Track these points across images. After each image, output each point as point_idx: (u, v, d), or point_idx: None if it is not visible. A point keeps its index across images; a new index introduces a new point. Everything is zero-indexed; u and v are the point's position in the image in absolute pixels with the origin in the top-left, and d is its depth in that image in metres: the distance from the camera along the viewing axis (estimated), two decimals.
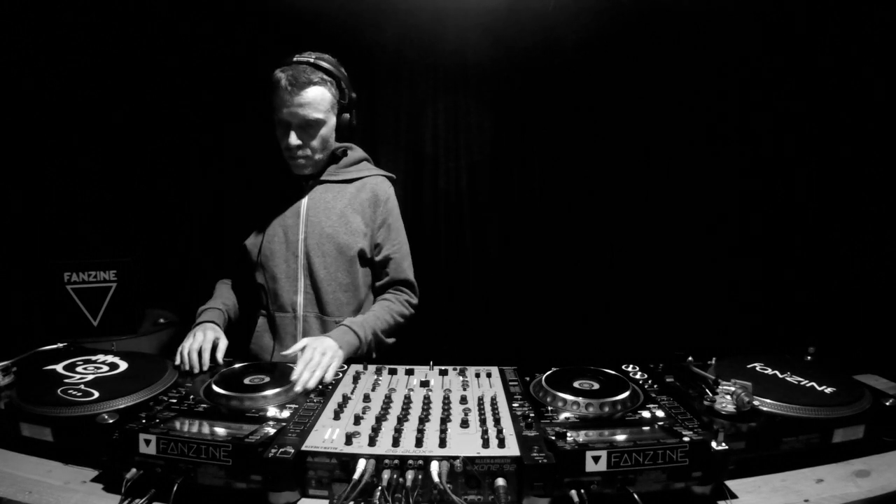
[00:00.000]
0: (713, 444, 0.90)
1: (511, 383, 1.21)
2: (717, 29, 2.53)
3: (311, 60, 1.49)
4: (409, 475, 0.86)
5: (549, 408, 1.07)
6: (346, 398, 1.11)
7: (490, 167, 2.78)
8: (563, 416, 1.04)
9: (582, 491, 0.86)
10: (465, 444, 0.92)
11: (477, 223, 2.81)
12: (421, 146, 2.75)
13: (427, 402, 1.09)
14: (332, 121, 1.55)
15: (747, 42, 2.54)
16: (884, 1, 2.29)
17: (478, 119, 2.75)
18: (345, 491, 0.83)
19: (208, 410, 1.05)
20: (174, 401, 1.09)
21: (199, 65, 2.61)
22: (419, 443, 0.92)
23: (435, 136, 2.75)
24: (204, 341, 1.36)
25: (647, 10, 2.53)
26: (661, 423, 1.00)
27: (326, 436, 0.95)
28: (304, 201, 1.60)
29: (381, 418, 1.00)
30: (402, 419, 1.00)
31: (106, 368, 1.26)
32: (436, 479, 0.84)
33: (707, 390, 1.13)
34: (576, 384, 1.15)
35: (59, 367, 1.25)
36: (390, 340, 1.60)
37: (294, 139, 1.50)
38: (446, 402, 1.09)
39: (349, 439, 0.92)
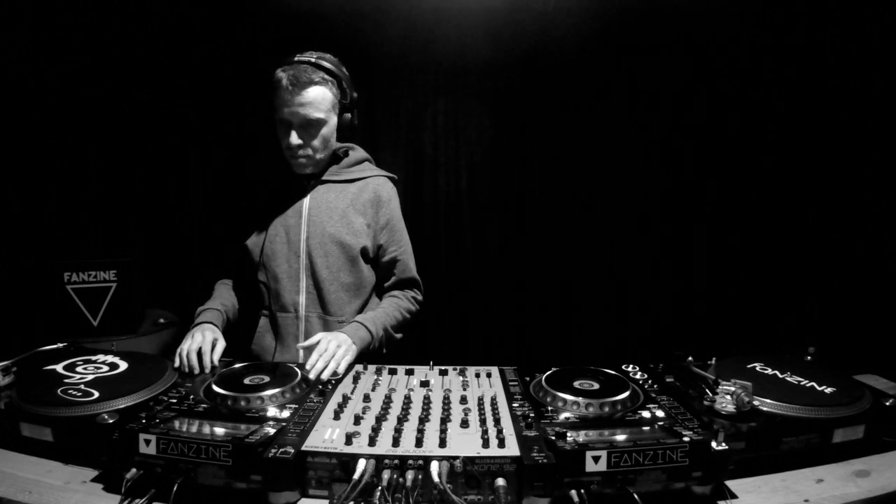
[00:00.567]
0: (713, 444, 0.90)
1: (511, 383, 1.21)
2: (717, 28, 2.53)
3: (313, 60, 1.49)
4: (409, 475, 0.86)
5: (549, 408, 1.07)
6: (346, 398, 1.11)
7: (490, 167, 2.78)
8: (563, 416, 1.04)
9: (582, 491, 0.86)
10: (465, 444, 0.92)
11: (477, 223, 2.81)
12: (421, 146, 2.75)
13: (427, 402, 1.09)
14: (334, 121, 1.55)
15: (747, 41, 2.54)
16: (884, 1, 2.29)
17: (478, 119, 2.75)
18: (345, 491, 0.83)
19: (208, 410, 1.05)
20: (174, 401, 1.09)
21: (199, 65, 2.61)
22: (419, 443, 0.92)
23: (435, 135, 2.75)
24: (203, 342, 1.36)
25: (646, 9, 2.53)
26: (661, 423, 1.00)
27: (326, 436, 0.95)
28: (306, 201, 1.60)
29: (381, 418, 1.00)
30: (402, 419, 1.00)
31: (106, 368, 1.26)
32: (436, 479, 0.84)
33: (707, 390, 1.13)
34: (576, 384, 1.15)
35: (59, 367, 1.25)
36: (399, 335, 1.64)
37: (295, 139, 1.50)
38: (446, 402, 1.09)
39: (349, 439, 0.92)
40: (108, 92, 2.59)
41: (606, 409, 1.05)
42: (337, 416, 1.02)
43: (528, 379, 1.24)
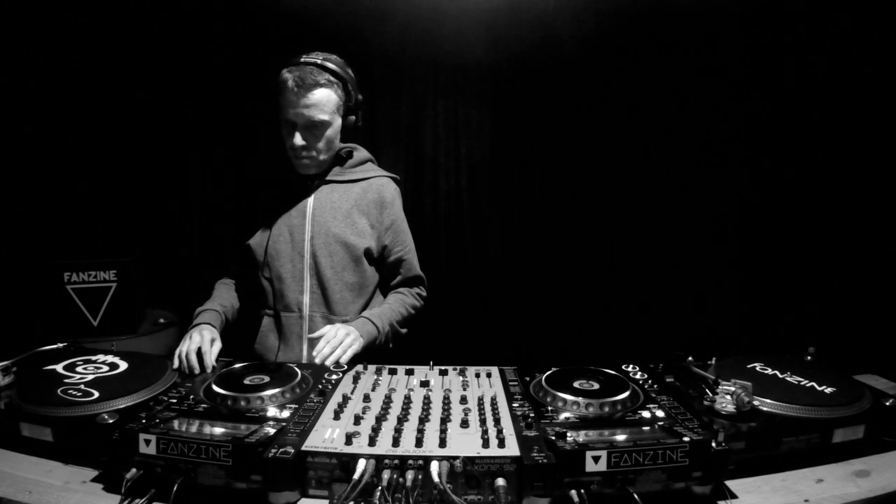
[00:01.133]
0: (713, 444, 0.90)
1: (511, 383, 1.21)
2: (716, 28, 2.53)
3: (319, 62, 1.49)
4: (409, 475, 0.86)
5: (549, 408, 1.07)
6: (346, 398, 1.10)
7: (490, 167, 2.78)
8: (563, 416, 1.04)
9: (582, 491, 0.85)
10: (465, 444, 0.92)
11: (477, 223, 2.81)
12: (421, 146, 2.75)
13: (427, 402, 1.09)
14: (338, 122, 1.55)
15: (747, 41, 2.54)
16: (884, 1, 2.29)
17: (478, 119, 2.75)
18: (345, 491, 0.83)
19: (208, 410, 1.05)
20: (174, 401, 1.09)
21: (199, 65, 2.61)
22: (419, 443, 0.92)
23: (435, 136, 2.75)
24: (202, 342, 1.36)
25: (646, 10, 2.53)
26: (661, 423, 1.00)
27: (326, 436, 0.95)
28: (310, 201, 1.60)
29: (381, 418, 1.00)
30: (402, 419, 1.00)
31: (106, 368, 1.26)
32: (436, 479, 0.84)
33: (707, 390, 1.13)
34: (576, 384, 1.15)
35: (59, 367, 1.25)
36: (404, 331, 1.67)
37: (299, 140, 1.50)
38: (446, 402, 1.09)
39: (349, 439, 0.92)
40: (108, 92, 2.59)
41: (606, 409, 1.05)
42: (337, 416, 1.02)
43: (528, 379, 1.23)
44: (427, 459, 0.87)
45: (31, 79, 2.44)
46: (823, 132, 2.51)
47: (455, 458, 0.87)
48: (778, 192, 2.63)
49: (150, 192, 2.74)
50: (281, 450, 0.89)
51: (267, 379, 1.17)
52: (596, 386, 1.14)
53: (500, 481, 0.86)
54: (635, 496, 0.85)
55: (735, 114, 2.62)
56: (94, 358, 1.33)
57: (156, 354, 1.43)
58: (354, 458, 0.88)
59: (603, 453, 0.87)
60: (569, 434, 0.93)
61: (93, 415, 1.02)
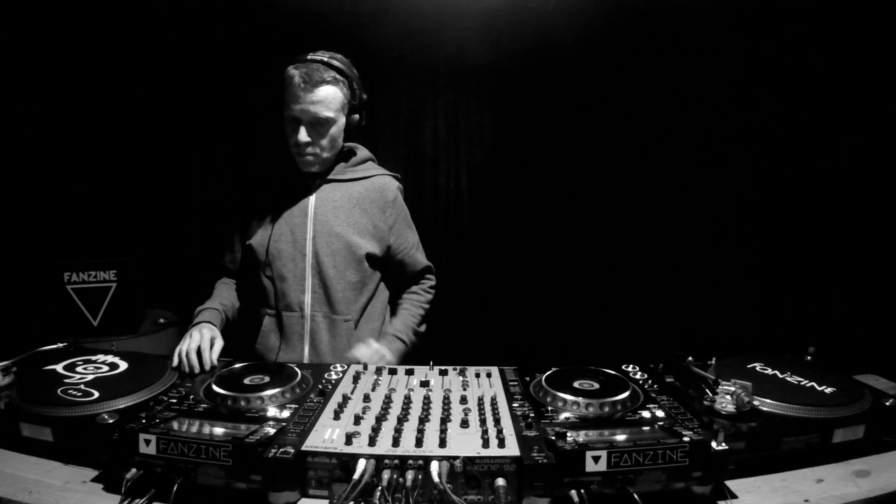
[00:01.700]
0: (713, 444, 0.90)
1: (511, 383, 1.21)
2: (716, 29, 2.53)
3: (325, 59, 1.48)
4: (409, 475, 0.86)
5: (549, 408, 1.07)
6: (346, 398, 1.10)
7: (490, 167, 2.78)
8: (563, 416, 1.04)
9: (582, 491, 0.85)
10: (465, 444, 0.92)
11: (477, 223, 2.81)
12: (421, 146, 2.75)
13: (427, 402, 1.09)
14: (342, 120, 1.55)
15: (747, 42, 2.54)
16: (884, 1, 2.29)
17: (478, 119, 2.75)
18: (345, 491, 0.83)
19: (208, 410, 1.05)
20: (174, 401, 1.09)
21: (199, 65, 2.61)
22: (419, 443, 0.92)
23: (435, 136, 2.75)
24: (202, 341, 1.36)
25: (646, 10, 2.53)
26: (661, 423, 0.99)
27: (326, 436, 0.95)
28: (312, 200, 1.60)
29: (381, 418, 1.00)
30: (402, 419, 1.00)
31: (106, 368, 1.26)
32: (436, 479, 0.84)
33: (707, 390, 1.12)
34: (576, 384, 1.15)
35: (59, 367, 1.25)
36: (423, 328, 1.72)
37: (304, 136, 1.49)
38: (446, 402, 1.09)
39: (349, 439, 0.92)
40: (108, 92, 2.59)
41: (606, 409, 1.05)
42: (337, 416, 1.02)
43: (528, 379, 1.23)
44: (427, 459, 0.87)
45: (31, 79, 2.44)
46: (823, 132, 2.51)
47: (455, 458, 0.87)
48: (778, 192, 2.63)
49: (150, 192, 2.74)
50: (281, 450, 0.89)
51: (267, 379, 1.17)
52: (596, 386, 1.14)
53: (500, 481, 0.86)
54: (635, 496, 0.85)
55: (735, 114, 2.62)
56: (94, 358, 1.33)
57: (156, 354, 1.43)
58: (354, 458, 0.88)
59: (603, 453, 0.87)
60: (569, 434, 0.93)
61: (93, 415, 1.02)
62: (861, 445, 1.06)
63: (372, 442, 0.91)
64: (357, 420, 1.00)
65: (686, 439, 0.90)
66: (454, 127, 2.76)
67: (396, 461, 0.88)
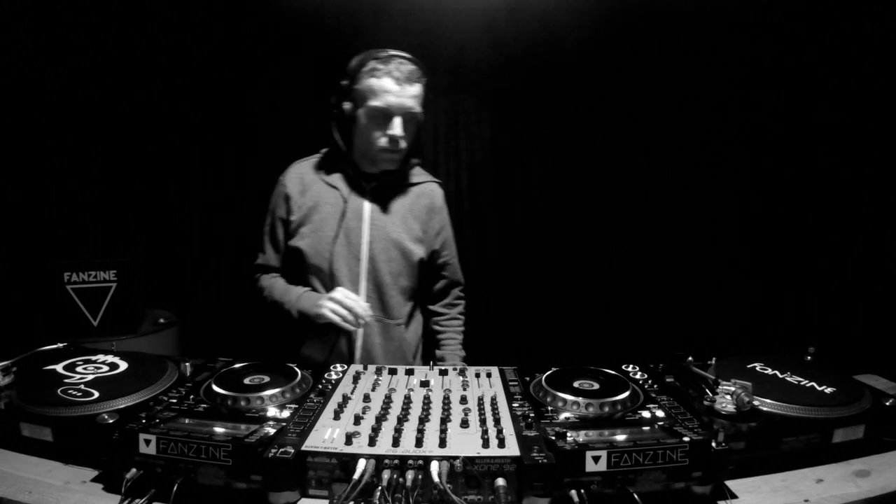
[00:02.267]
0: (713, 444, 0.90)
1: (511, 383, 1.21)
2: (717, 29, 2.53)
3: (412, 57, 1.49)
4: (409, 475, 0.86)
5: (549, 408, 1.07)
6: (346, 398, 1.10)
7: (490, 167, 2.78)
8: (563, 416, 1.04)
9: (582, 491, 0.85)
10: (465, 444, 0.92)
11: (477, 223, 2.81)
12: (421, 146, 2.75)
13: (427, 402, 1.09)
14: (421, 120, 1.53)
15: (747, 42, 2.54)
16: (884, 1, 2.29)
17: (478, 119, 2.75)
18: (345, 491, 0.83)
19: (208, 410, 1.05)
20: (174, 401, 1.09)
21: (199, 65, 2.61)
22: (419, 443, 0.92)
23: (435, 136, 2.75)
24: (347, 294, 1.41)
25: (646, 10, 2.53)
26: (661, 423, 0.99)
27: (326, 436, 0.95)
28: (367, 204, 1.55)
29: (381, 418, 1.00)
30: (402, 419, 1.00)
31: (106, 368, 1.26)
32: (436, 479, 0.84)
33: (707, 390, 1.12)
34: (576, 384, 1.15)
35: (59, 367, 1.25)
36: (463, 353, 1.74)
37: (399, 129, 1.45)
38: (446, 402, 1.09)
39: (349, 439, 0.92)
40: (108, 92, 2.59)
41: (606, 409, 1.05)
42: (337, 416, 1.02)
43: (528, 379, 1.23)
44: (427, 459, 0.87)
45: (31, 79, 2.44)
46: (823, 132, 2.51)
47: (455, 458, 0.87)
48: (778, 192, 2.63)
49: (150, 192, 2.74)
50: (281, 450, 0.89)
51: (267, 379, 1.17)
52: (596, 386, 1.14)
53: (500, 481, 0.86)
54: (635, 496, 0.85)
55: (735, 114, 2.62)
56: (94, 358, 1.33)
57: (156, 354, 1.43)
58: (354, 458, 0.88)
59: (603, 453, 0.87)
60: (569, 434, 0.93)
61: (93, 415, 1.02)
62: (861, 445, 1.05)
63: (372, 442, 0.91)
64: (357, 420, 1.00)
65: (686, 439, 0.90)
66: (454, 127, 2.76)
67: (396, 461, 0.88)
